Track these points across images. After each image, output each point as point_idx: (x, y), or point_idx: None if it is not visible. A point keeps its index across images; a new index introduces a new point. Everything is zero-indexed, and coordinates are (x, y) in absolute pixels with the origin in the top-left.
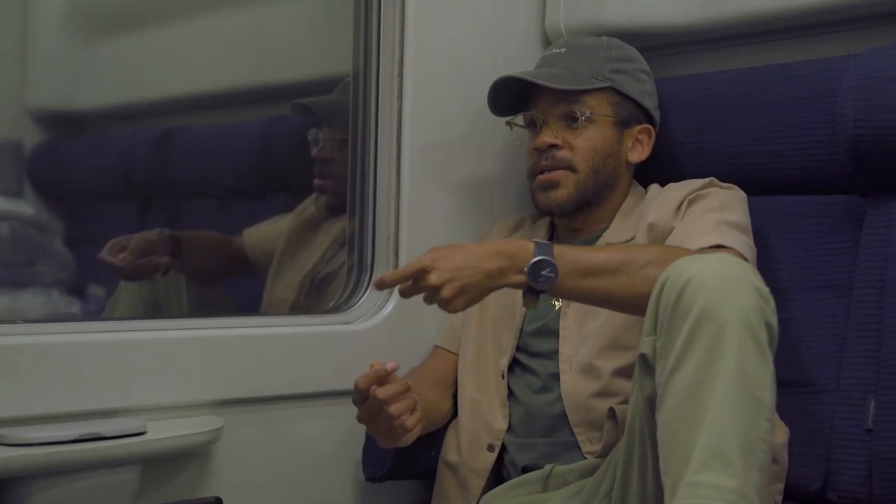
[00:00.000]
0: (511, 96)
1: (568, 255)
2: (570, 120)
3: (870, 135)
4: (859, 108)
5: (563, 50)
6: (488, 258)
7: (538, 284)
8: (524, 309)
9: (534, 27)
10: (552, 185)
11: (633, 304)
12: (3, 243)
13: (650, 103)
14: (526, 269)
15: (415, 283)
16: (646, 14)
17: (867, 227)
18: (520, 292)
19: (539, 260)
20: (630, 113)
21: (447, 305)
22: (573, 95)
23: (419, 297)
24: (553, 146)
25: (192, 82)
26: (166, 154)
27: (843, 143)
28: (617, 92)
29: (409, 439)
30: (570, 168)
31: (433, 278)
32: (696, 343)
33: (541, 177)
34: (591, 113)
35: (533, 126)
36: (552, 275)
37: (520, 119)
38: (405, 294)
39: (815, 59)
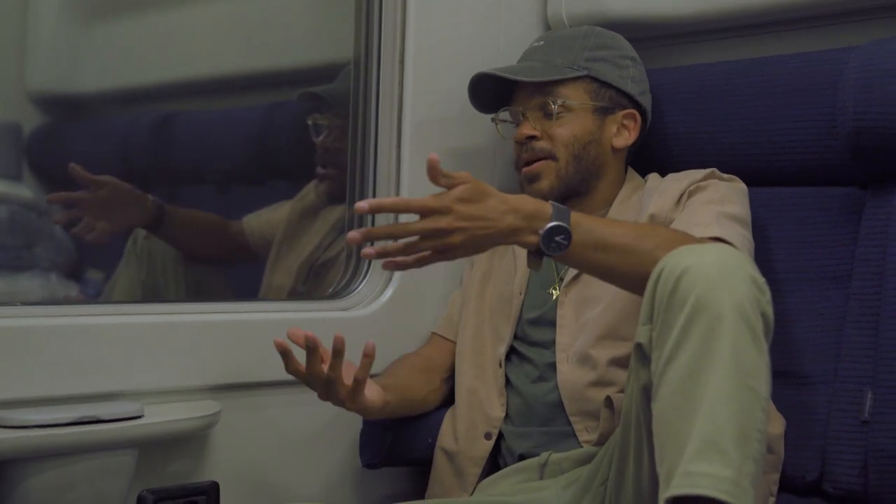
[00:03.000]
0: (493, 92)
1: (584, 224)
2: (547, 111)
3: (870, 127)
4: (859, 100)
5: (542, 43)
6: (506, 214)
7: (550, 249)
8: (522, 297)
9: (535, 15)
10: (535, 177)
11: (637, 284)
12: (2, 227)
13: (634, 89)
14: (541, 232)
15: (421, 219)
16: (647, 4)
17: (866, 219)
18: (520, 275)
19: (555, 226)
20: (611, 99)
21: (451, 251)
22: (547, 87)
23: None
24: (531, 137)
25: (193, 67)
26: (165, 139)
27: (842, 135)
28: (594, 80)
29: (360, 399)
30: (551, 157)
31: (446, 222)
32: (691, 333)
33: (524, 169)
34: (566, 102)
35: (517, 120)
36: (565, 242)
37: (504, 115)
38: (401, 233)
39: (816, 50)
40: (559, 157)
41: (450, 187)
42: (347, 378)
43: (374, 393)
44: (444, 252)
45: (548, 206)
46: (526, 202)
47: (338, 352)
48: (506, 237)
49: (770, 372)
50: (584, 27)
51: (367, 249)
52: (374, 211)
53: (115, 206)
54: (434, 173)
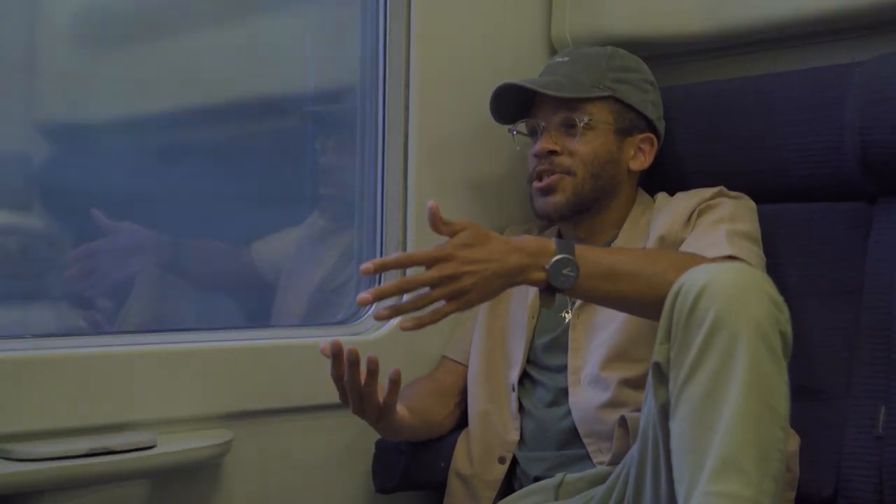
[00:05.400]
0: (514, 104)
1: (590, 256)
2: (570, 127)
3: (877, 141)
4: (866, 114)
5: (567, 59)
6: (511, 253)
7: (559, 283)
8: (534, 321)
9: (539, 36)
10: (550, 190)
11: (650, 309)
12: (12, 257)
13: (653, 113)
14: (547, 267)
15: (428, 269)
16: (651, 23)
17: (875, 234)
18: (532, 300)
19: (561, 258)
20: (631, 122)
21: (463, 297)
22: (573, 103)
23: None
24: (552, 152)
25: (198, 93)
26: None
27: (850, 150)
28: (618, 101)
29: (391, 419)
30: (569, 172)
31: (452, 268)
32: (710, 351)
33: (538, 183)
34: (590, 119)
35: (534, 133)
36: (573, 274)
37: (521, 126)
38: (412, 286)
39: (822, 66)
40: (577, 174)
41: (451, 234)
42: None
43: (402, 413)
44: (458, 298)
45: (551, 242)
46: (528, 241)
47: (372, 372)
48: (514, 276)
49: (789, 391)
50: (609, 47)
51: (381, 311)
52: (379, 270)
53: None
54: (435, 221)
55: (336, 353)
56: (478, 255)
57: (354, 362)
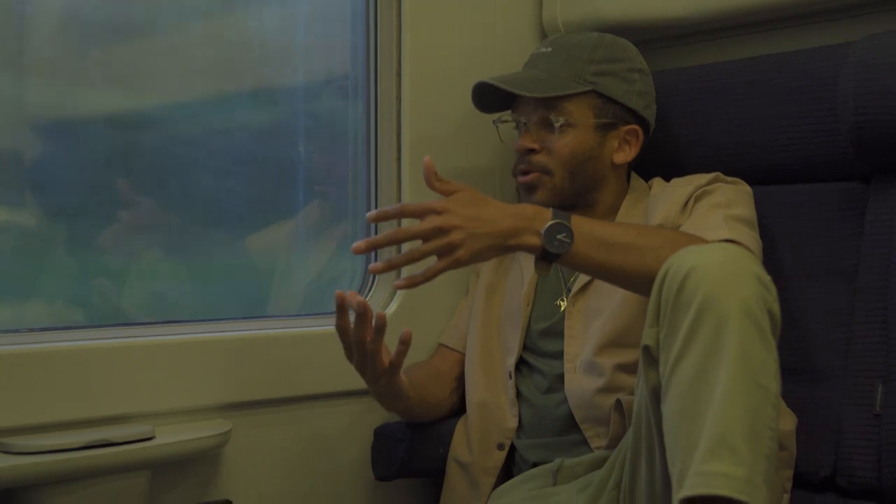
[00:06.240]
0: (497, 95)
1: (584, 225)
2: (549, 125)
3: (871, 121)
4: (859, 95)
5: (549, 49)
6: (505, 216)
7: (553, 247)
8: (529, 308)
9: (531, 22)
10: (531, 188)
11: (643, 284)
12: (6, 253)
13: (639, 103)
14: (542, 231)
15: (422, 223)
16: (642, 7)
17: (870, 214)
18: (526, 289)
19: (556, 223)
20: (615, 115)
21: (454, 252)
22: (552, 101)
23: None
24: (531, 150)
25: (191, 87)
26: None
27: (844, 130)
28: (600, 95)
29: (394, 382)
30: (546, 171)
31: (442, 220)
32: (698, 333)
33: (520, 178)
34: (569, 119)
35: (519, 126)
36: (567, 240)
37: (507, 116)
38: (403, 236)
39: (813, 47)
40: (554, 173)
41: (446, 192)
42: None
43: (404, 381)
44: (448, 254)
45: (546, 209)
46: (525, 207)
47: (379, 328)
48: (506, 238)
49: (779, 369)
50: (594, 35)
51: (375, 265)
52: (380, 219)
53: None
54: (429, 176)
55: (341, 305)
56: (471, 213)
57: (362, 314)
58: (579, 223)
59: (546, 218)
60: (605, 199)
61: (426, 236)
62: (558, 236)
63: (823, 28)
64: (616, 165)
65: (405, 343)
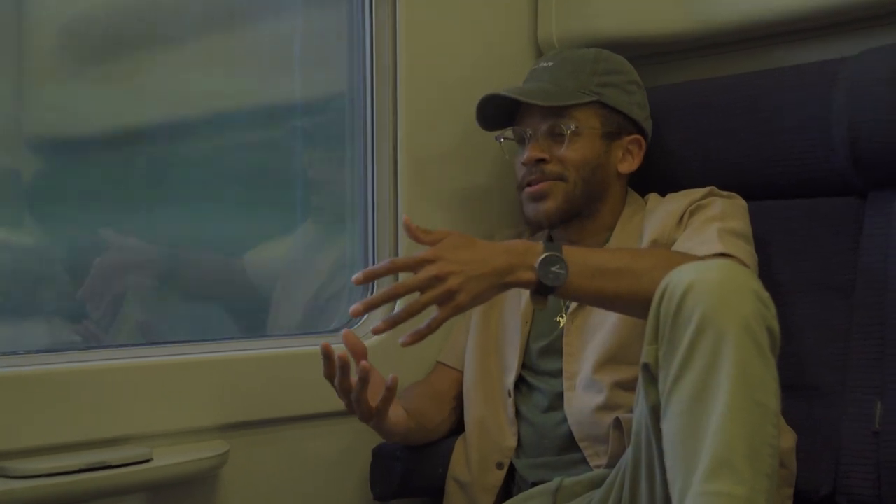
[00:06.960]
0: (500, 111)
1: (577, 255)
2: (557, 134)
3: (866, 136)
4: (854, 109)
5: (551, 63)
6: (497, 255)
7: (549, 281)
8: (528, 326)
9: (526, 38)
10: (541, 196)
11: (640, 307)
12: (4, 273)
13: (639, 114)
14: (536, 265)
15: (415, 274)
16: (637, 23)
17: (866, 229)
18: (524, 307)
19: (549, 256)
20: (619, 125)
21: (454, 298)
22: (560, 110)
23: (420, 315)
24: (541, 160)
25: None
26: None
27: (839, 145)
28: (604, 105)
29: (384, 423)
30: (560, 178)
31: (437, 268)
32: (697, 351)
33: (529, 188)
34: (578, 126)
35: (522, 141)
36: (562, 272)
37: (509, 132)
38: (401, 291)
39: (808, 63)
40: (569, 179)
41: (433, 242)
42: (373, 400)
43: (399, 416)
44: (448, 301)
45: (537, 243)
46: (515, 242)
47: (362, 380)
48: (502, 276)
49: (779, 386)
50: (592, 50)
51: (378, 325)
52: (369, 280)
53: None
54: (415, 233)
55: (327, 355)
56: (464, 256)
57: (343, 367)
58: (571, 253)
59: (538, 251)
60: (606, 210)
61: (423, 287)
62: (552, 268)
63: (817, 44)
64: (620, 175)
65: (391, 390)
